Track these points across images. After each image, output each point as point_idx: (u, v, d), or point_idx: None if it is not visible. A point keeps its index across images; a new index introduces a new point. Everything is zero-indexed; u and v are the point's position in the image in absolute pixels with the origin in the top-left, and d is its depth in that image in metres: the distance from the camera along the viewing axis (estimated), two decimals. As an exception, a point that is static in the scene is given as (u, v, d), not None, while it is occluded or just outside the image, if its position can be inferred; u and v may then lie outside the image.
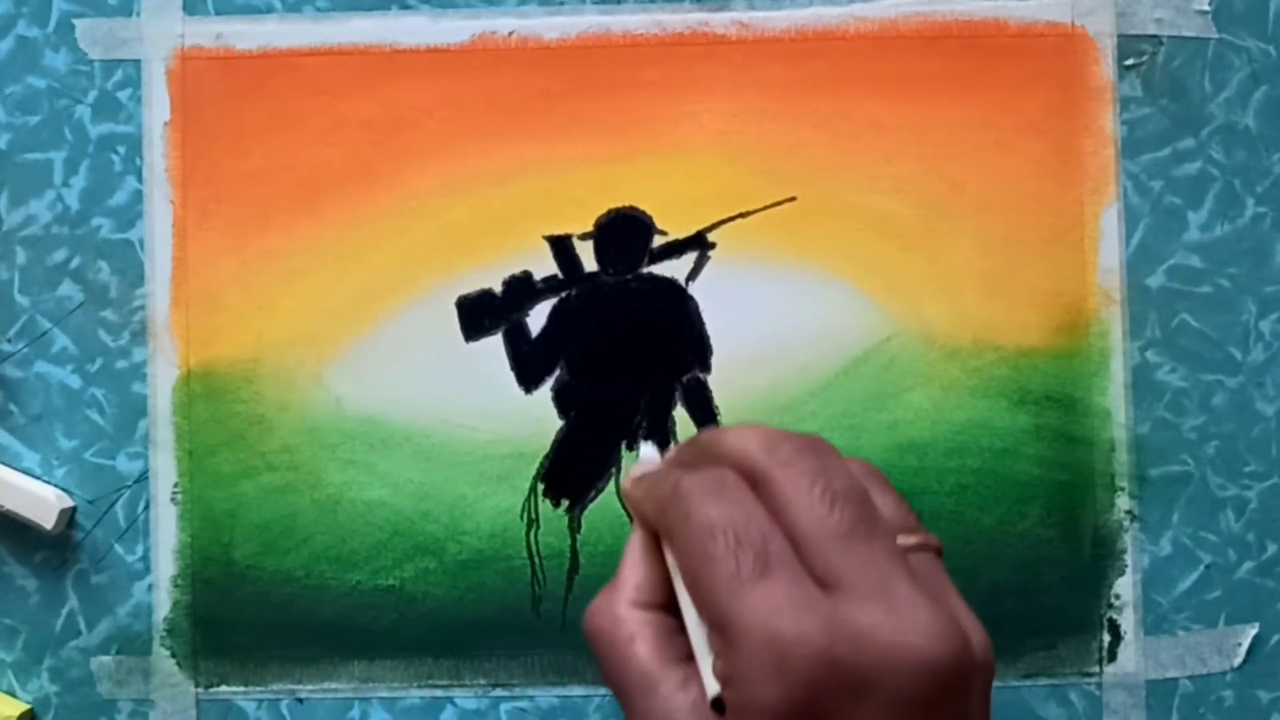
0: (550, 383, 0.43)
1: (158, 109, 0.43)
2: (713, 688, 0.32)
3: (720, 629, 0.32)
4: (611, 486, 0.43)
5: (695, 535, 0.33)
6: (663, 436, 0.43)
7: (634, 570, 0.36)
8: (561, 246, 0.43)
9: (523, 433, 0.43)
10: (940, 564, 0.35)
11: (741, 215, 0.43)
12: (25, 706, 0.43)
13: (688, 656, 0.34)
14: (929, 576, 0.34)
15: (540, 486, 0.43)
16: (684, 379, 0.43)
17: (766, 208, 0.43)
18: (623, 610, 0.35)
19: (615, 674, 0.35)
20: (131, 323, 0.43)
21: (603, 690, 0.43)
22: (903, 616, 0.32)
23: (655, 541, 0.36)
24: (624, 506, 0.39)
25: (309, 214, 0.43)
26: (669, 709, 0.33)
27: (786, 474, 0.33)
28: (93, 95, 0.44)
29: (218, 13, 0.44)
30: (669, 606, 0.35)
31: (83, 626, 0.43)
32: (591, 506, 0.43)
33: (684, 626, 0.34)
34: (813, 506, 0.33)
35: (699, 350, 0.43)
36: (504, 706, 0.43)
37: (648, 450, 0.39)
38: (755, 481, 0.34)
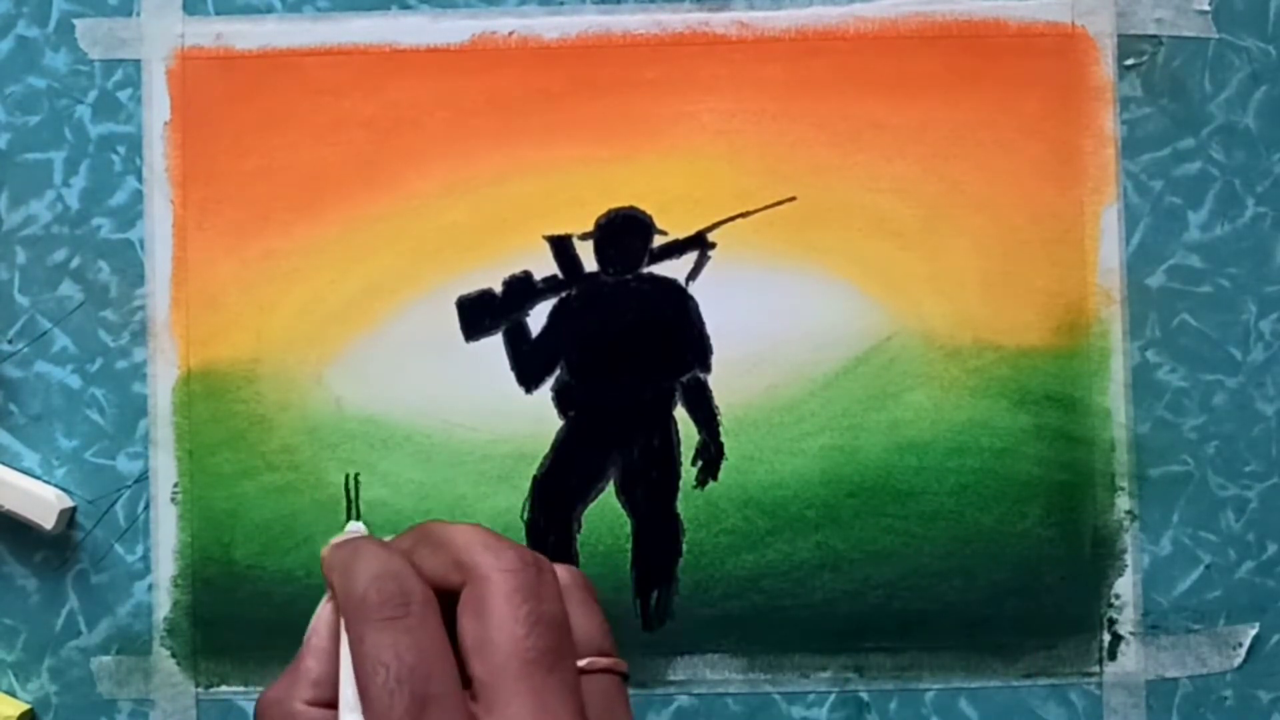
0: (550, 383, 0.43)
1: (158, 109, 0.43)
2: None
3: None
4: (611, 487, 0.43)
5: (363, 663, 0.33)
6: (664, 437, 0.43)
7: (316, 661, 0.35)
8: (561, 246, 0.43)
9: (523, 433, 0.43)
10: (623, 689, 0.36)
11: (741, 215, 0.43)
12: (25, 706, 0.43)
13: None
14: (603, 700, 0.35)
15: (540, 487, 0.43)
16: (684, 379, 0.43)
17: (766, 208, 0.43)
18: (297, 707, 0.35)
19: None
20: (131, 323, 0.43)
21: (603, 690, 0.43)
22: None
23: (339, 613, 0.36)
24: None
25: (309, 214, 0.43)
26: None
27: (505, 583, 0.34)
28: (93, 95, 0.44)
29: (218, 13, 0.44)
30: None
31: (83, 626, 0.43)
32: (591, 506, 0.43)
33: None
34: (514, 624, 0.33)
35: (699, 350, 0.43)
36: (504, 706, 0.43)
37: (354, 525, 0.40)
38: (472, 580, 0.34)
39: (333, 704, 0.35)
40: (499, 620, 0.33)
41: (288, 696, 0.35)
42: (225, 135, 0.43)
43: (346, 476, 0.43)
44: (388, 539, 0.38)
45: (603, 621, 0.36)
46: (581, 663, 0.35)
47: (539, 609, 0.34)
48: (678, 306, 0.43)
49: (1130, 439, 0.43)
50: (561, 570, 0.36)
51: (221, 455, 0.43)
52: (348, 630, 0.34)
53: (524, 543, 0.43)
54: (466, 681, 0.33)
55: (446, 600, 0.34)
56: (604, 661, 0.35)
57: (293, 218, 0.43)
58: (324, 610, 0.36)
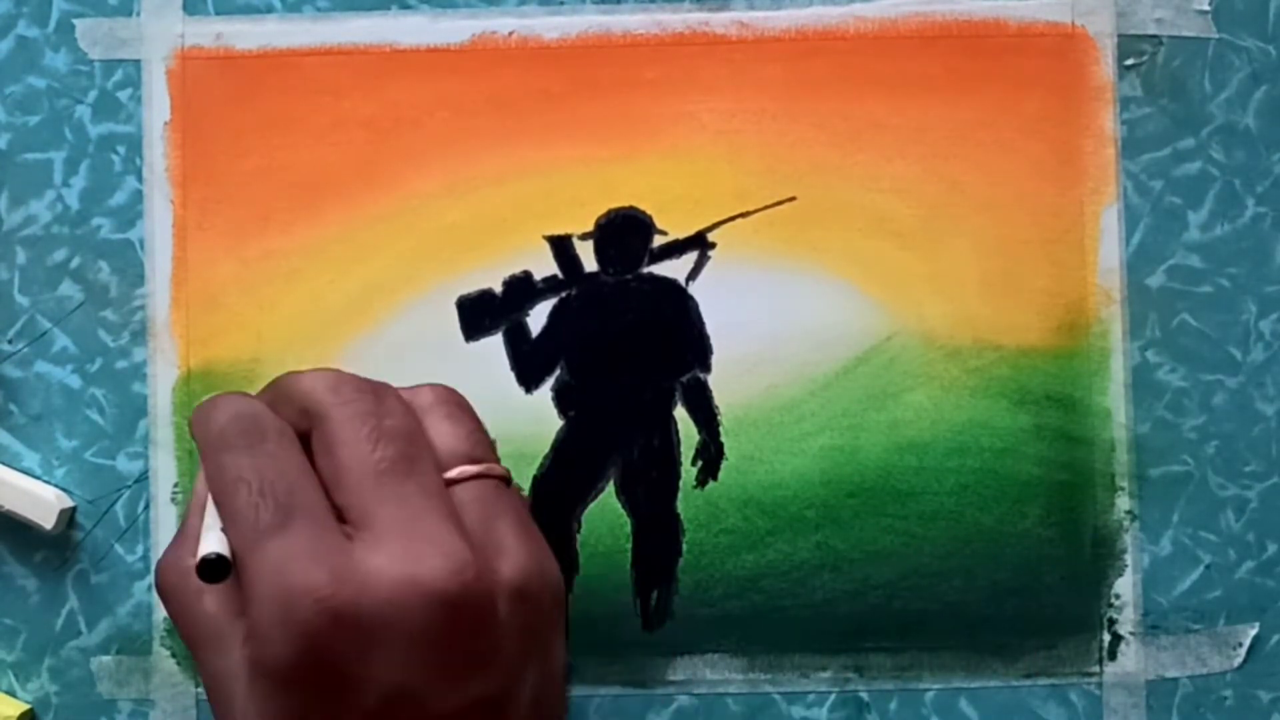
0: (550, 383, 0.43)
1: (158, 109, 0.43)
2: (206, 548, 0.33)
3: (241, 584, 0.33)
4: (611, 487, 0.43)
5: (223, 485, 0.33)
6: (664, 436, 0.43)
7: (196, 517, 0.36)
8: (561, 246, 0.43)
9: (523, 433, 0.43)
10: (503, 491, 0.36)
11: (741, 215, 0.43)
12: (25, 706, 0.43)
13: None
14: (479, 506, 0.34)
15: (540, 487, 0.43)
16: (684, 379, 0.43)
17: (766, 208, 0.43)
18: (188, 563, 0.35)
19: (186, 628, 0.35)
20: (131, 323, 0.43)
21: (602, 690, 0.43)
22: (413, 552, 0.32)
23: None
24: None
25: (309, 214, 0.43)
26: (236, 661, 0.33)
27: (343, 412, 0.34)
28: (93, 95, 0.44)
29: (218, 13, 0.44)
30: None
31: (83, 626, 0.43)
32: (591, 506, 0.43)
33: None
34: (358, 445, 0.33)
35: (699, 350, 0.43)
36: (504, 706, 0.43)
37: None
38: (315, 421, 0.34)
39: None
40: (345, 445, 0.34)
41: (180, 556, 0.36)
42: (225, 135, 0.43)
43: None
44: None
45: (472, 431, 0.36)
46: (450, 473, 0.35)
47: (380, 425, 0.34)
48: (678, 306, 0.43)
49: (1130, 439, 0.43)
50: (425, 390, 0.36)
51: (221, 455, 0.43)
52: (206, 468, 0.34)
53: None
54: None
55: (307, 449, 0.35)
56: (473, 469, 0.35)
57: (293, 218, 0.43)
58: (201, 476, 0.36)
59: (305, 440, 0.35)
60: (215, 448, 0.34)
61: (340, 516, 0.33)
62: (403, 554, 0.32)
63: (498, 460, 0.37)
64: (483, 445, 0.36)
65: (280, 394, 0.36)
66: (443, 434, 0.36)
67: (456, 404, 0.37)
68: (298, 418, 0.35)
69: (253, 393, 0.37)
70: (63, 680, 0.43)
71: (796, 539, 0.43)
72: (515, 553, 0.34)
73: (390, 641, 0.32)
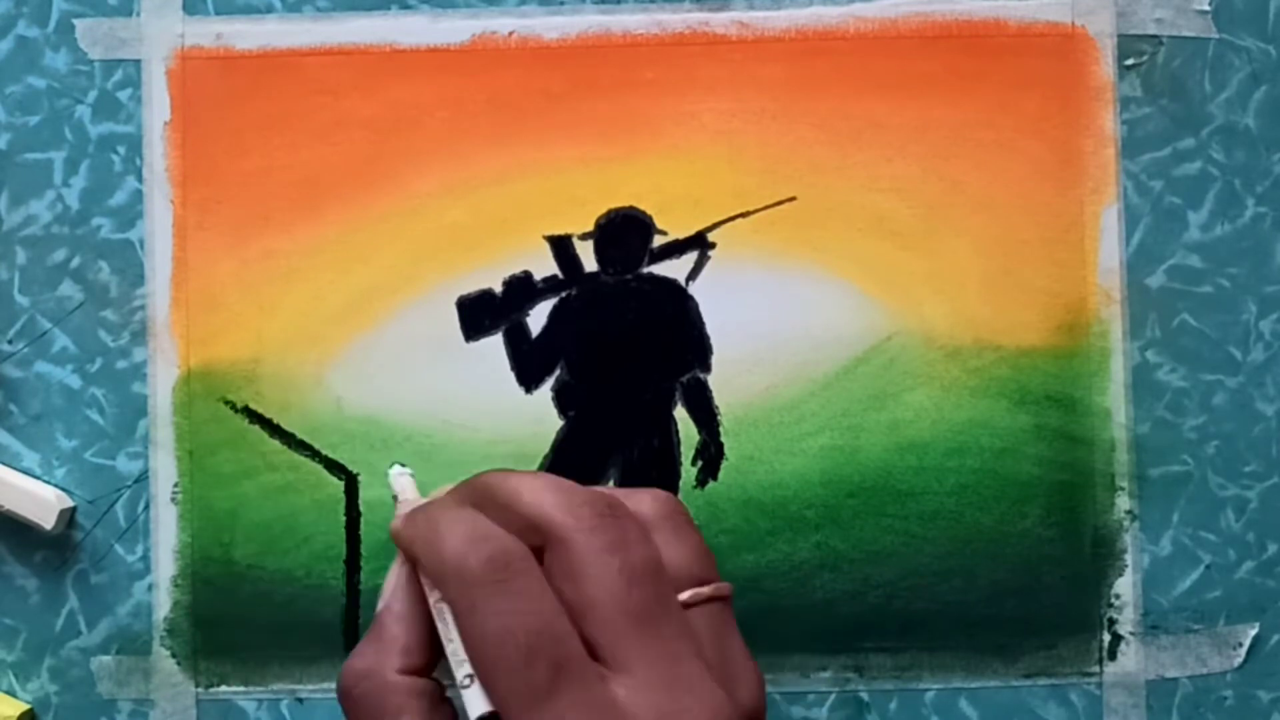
0: (550, 383, 0.43)
1: (158, 109, 0.43)
2: (481, 707, 0.32)
3: None
4: (611, 487, 0.43)
5: (485, 635, 0.32)
6: (664, 436, 0.43)
7: (401, 627, 0.35)
8: (561, 246, 0.43)
9: (523, 433, 0.43)
10: (728, 611, 0.35)
11: (741, 215, 0.43)
12: (25, 706, 0.43)
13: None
14: (712, 632, 0.34)
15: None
16: (684, 379, 0.43)
17: (766, 208, 0.43)
18: (391, 678, 0.34)
19: None
20: (131, 323, 0.43)
21: (603, 690, 0.43)
22: (678, 704, 0.32)
23: (415, 577, 0.35)
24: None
25: (309, 214, 0.43)
26: None
27: (589, 542, 0.33)
28: (93, 95, 0.44)
29: (218, 13, 0.44)
30: (433, 664, 0.35)
31: (83, 626, 0.43)
32: (591, 506, 0.43)
33: (446, 688, 0.34)
34: (610, 581, 0.33)
35: (699, 350, 0.43)
36: (504, 706, 0.43)
37: (399, 476, 0.39)
38: (554, 544, 0.33)
39: (423, 671, 0.34)
40: (595, 581, 0.33)
41: (379, 666, 0.34)
42: (225, 135, 0.43)
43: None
44: (440, 492, 0.37)
45: (696, 545, 0.35)
46: (683, 596, 0.34)
47: (630, 559, 0.33)
48: (678, 306, 0.43)
49: (1130, 439, 0.43)
50: (646, 501, 0.35)
51: (221, 455, 0.43)
52: (452, 601, 0.33)
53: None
54: None
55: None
56: (705, 591, 0.34)
57: (293, 218, 0.43)
58: (396, 576, 0.36)
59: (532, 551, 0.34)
60: (459, 585, 0.33)
61: (587, 644, 0.33)
62: (669, 707, 0.32)
63: (718, 573, 0.36)
64: (708, 561, 0.36)
65: (494, 501, 0.35)
66: (674, 554, 0.35)
67: (682, 516, 0.36)
68: (522, 532, 0.34)
69: (441, 492, 0.36)
70: (63, 680, 0.43)
71: (796, 539, 0.43)
72: (747, 678, 0.34)
73: None
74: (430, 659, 0.35)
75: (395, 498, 0.38)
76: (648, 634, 0.32)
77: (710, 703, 0.32)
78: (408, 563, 0.36)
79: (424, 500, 0.37)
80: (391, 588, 0.36)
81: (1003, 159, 0.43)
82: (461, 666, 0.33)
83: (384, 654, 0.35)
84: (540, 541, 0.33)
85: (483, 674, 0.32)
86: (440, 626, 0.34)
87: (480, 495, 0.35)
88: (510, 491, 0.34)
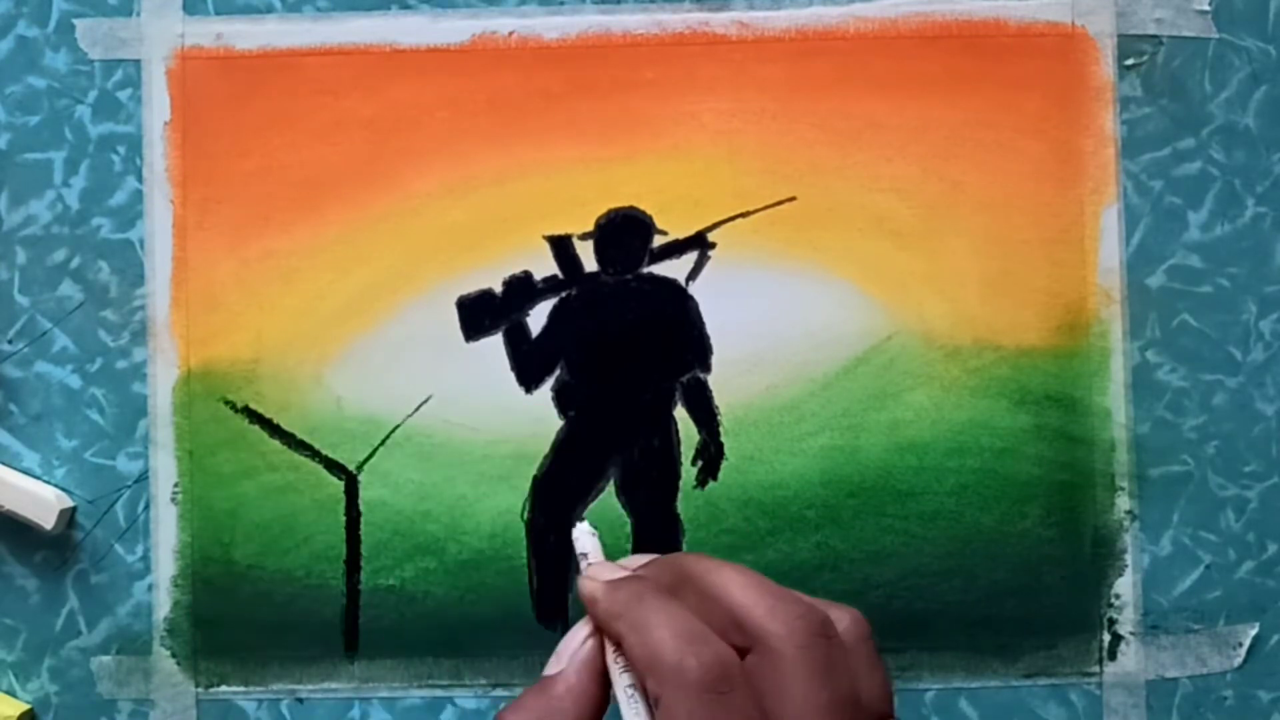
0: (550, 383, 0.43)
1: (158, 109, 0.43)
2: None
3: None
4: (611, 487, 0.43)
5: None
6: (664, 436, 0.43)
7: (571, 702, 0.35)
8: (561, 246, 0.43)
9: (523, 433, 0.43)
10: None
11: (741, 215, 0.43)
12: (25, 706, 0.43)
13: None
14: None
15: (540, 487, 0.43)
16: (684, 379, 0.43)
17: (766, 208, 0.43)
18: None
19: None
20: (131, 323, 0.43)
21: (603, 690, 0.43)
22: None
23: (600, 654, 0.35)
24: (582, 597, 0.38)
25: (309, 214, 0.43)
26: None
27: (800, 659, 0.33)
28: (93, 95, 0.44)
29: (218, 13, 0.44)
30: None
31: (83, 626, 0.43)
32: (591, 506, 0.43)
33: None
34: (814, 712, 0.32)
35: (699, 350, 0.43)
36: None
37: (588, 535, 0.39)
38: (759, 648, 0.33)
39: None
40: (800, 704, 0.32)
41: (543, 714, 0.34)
42: (225, 135, 0.43)
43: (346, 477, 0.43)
44: (633, 562, 0.37)
45: (884, 680, 0.35)
46: None
47: (838, 694, 0.33)
48: (678, 306, 0.43)
49: (1130, 439, 0.43)
50: (844, 619, 0.35)
51: (221, 455, 0.43)
52: (665, 700, 0.33)
53: (524, 543, 0.43)
54: None
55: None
56: None
57: (293, 218, 0.43)
58: (577, 647, 0.35)
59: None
60: (674, 684, 0.32)
61: None
62: None
63: (894, 708, 0.36)
64: (890, 695, 0.35)
65: (696, 589, 0.34)
66: (866, 685, 0.34)
67: (870, 642, 0.36)
68: (727, 629, 0.34)
69: (635, 565, 0.37)
70: (63, 680, 0.43)
71: (796, 539, 0.43)
72: None
73: None
74: None
75: (582, 555, 0.38)
76: None
77: None
78: (598, 635, 0.35)
79: (615, 566, 0.37)
80: (572, 655, 0.35)
81: (1003, 159, 0.43)
82: None
83: (549, 710, 0.34)
84: (745, 643, 0.33)
85: None
86: (627, 713, 0.34)
87: (681, 577, 0.35)
88: (719, 585, 0.34)
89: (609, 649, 0.35)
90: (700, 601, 0.34)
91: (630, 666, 0.34)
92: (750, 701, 0.32)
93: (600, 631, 0.35)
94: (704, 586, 0.34)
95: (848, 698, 0.33)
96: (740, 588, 0.34)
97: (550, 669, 0.35)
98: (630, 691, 0.34)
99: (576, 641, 0.36)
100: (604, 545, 0.43)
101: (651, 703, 0.33)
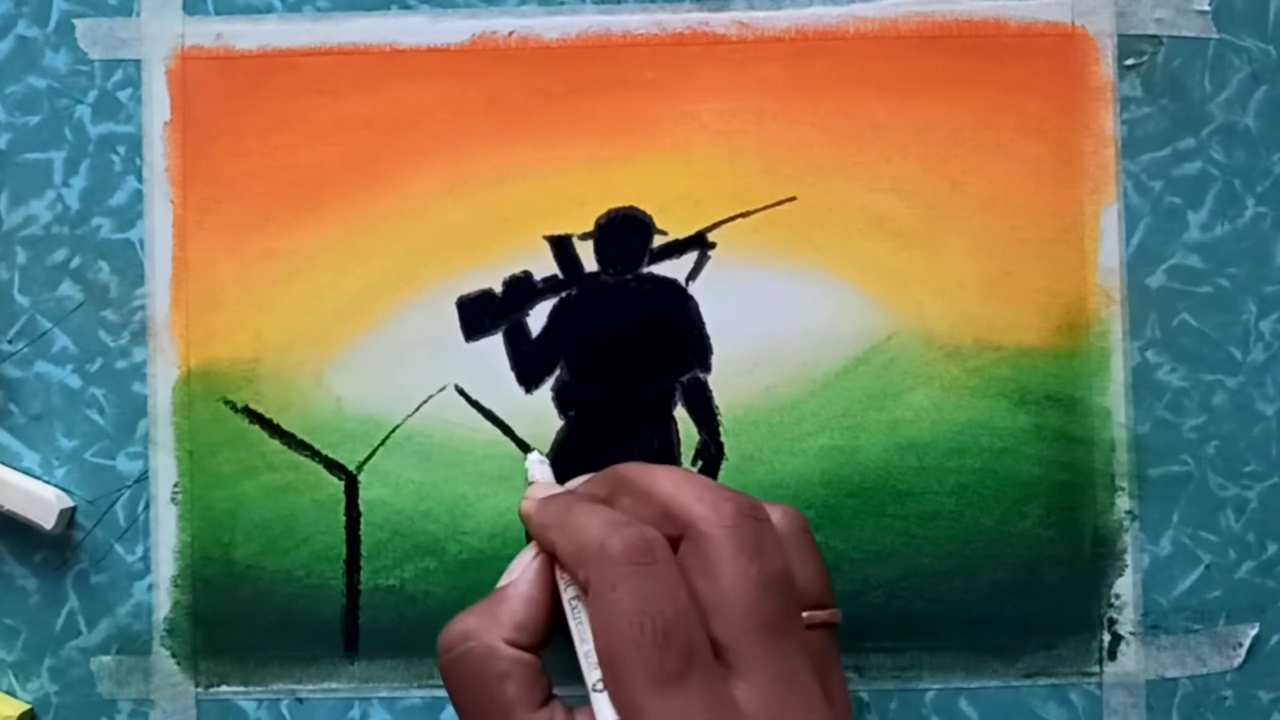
0: (550, 383, 0.43)
1: (158, 109, 0.43)
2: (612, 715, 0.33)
3: (629, 717, 0.32)
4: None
5: (620, 613, 0.32)
6: (664, 436, 0.43)
7: (522, 606, 0.35)
8: (561, 246, 0.43)
9: (523, 433, 0.43)
10: (834, 640, 0.36)
11: (741, 215, 0.43)
12: (25, 706, 0.43)
13: (548, 698, 0.34)
14: (822, 656, 0.35)
15: (540, 486, 0.43)
16: (684, 379, 0.43)
17: (766, 208, 0.43)
18: (499, 646, 0.35)
19: (473, 705, 0.34)
20: (131, 323, 0.43)
21: (603, 690, 0.43)
22: (793, 713, 0.32)
23: (549, 566, 0.36)
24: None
25: (309, 214, 0.43)
26: None
27: (730, 540, 0.33)
28: (93, 95, 0.44)
29: (218, 13, 0.44)
30: (543, 644, 0.35)
31: (83, 626, 0.43)
32: (591, 506, 0.43)
33: (547, 665, 0.35)
34: (745, 584, 0.33)
35: (699, 350, 0.43)
36: (504, 706, 0.43)
37: (538, 464, 0.40)
38: (692, 536, 0.33)
39: (531, 649, 0.35)
40: (731, 581, 0.33)
41: (487, 631, 0.35)
42: (225, 135, 0.43)
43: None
44: (576, 483, 0.38)
45: (820, 568, 0.36)
46: (804, 615, 0.34)
47: (768, 567, 0.33)
48: (678, 306, 0.43)
49: (1130, 439, 0.43)
50: (779, 514, 0.36)
51: (221, 455, 0.43)
52: (593, 581, 0.33)
53: (524, 543, 0.43)
54: None
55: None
56: (822, 615, 0.35)
57: (293, 218, 0.43)
58: (528, 561, 0.36)
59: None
60: (600, 566, 0.33)
61: (712, 641, 0.33)
62: (783, 717, 0.32)
63: (834, 600, 0.36)
64: (827, 586, 0.36)
65: (630, 490, 0.35)
66: (800, 572, 0.35)
67: (809, 535, 0.36)
68: (659, 521, 0.34)
69: (576, 484, 0.38)
70: (63, 680, 0.43)
71: (796, 539, 0.43)
72: (842, 704, 0.35)
73: None
74: (541, 644, 0.35)
75: (530, 481, 0.39)
76: (772, 643, 0.33)
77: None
78: (542, 552, 0.36)
79: (553, 486, 0.38)
80: (521, 569, 0.36)
81: (1003, 159, 0.43)
82: (594, 671, 0.33)
83: (495, 624, 0.35)
84: (676, 532, 0.34)
85: (613, 653, 0.32)
86: (573, 625, 0.34)
87: (615, 485, 0.36)
88: (649, 481, 0.35)
89: (557, 566, 0.36)
90: (634, 502, 0.35)
91: (565, 572, 0.35)
92: (675, 574, 0.33)
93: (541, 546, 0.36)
94: (637, 488, 0.35)
95: (779, 574, 0.33)
96: (670, 481, 0.35)
97: (502, 581, 0.36)
98: (575, 604, 0.35)
99: (528, 558, 0.36)
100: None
101: (582, 593, 0.34)
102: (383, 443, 0.43)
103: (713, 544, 0.33)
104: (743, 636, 0.33)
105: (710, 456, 0.43)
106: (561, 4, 0.44)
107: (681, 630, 0.32)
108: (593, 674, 0.33)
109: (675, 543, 0.34)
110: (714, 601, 0.33)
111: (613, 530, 0.33)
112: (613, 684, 0.32)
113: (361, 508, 0.43)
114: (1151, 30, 0.43)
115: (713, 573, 0.33)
